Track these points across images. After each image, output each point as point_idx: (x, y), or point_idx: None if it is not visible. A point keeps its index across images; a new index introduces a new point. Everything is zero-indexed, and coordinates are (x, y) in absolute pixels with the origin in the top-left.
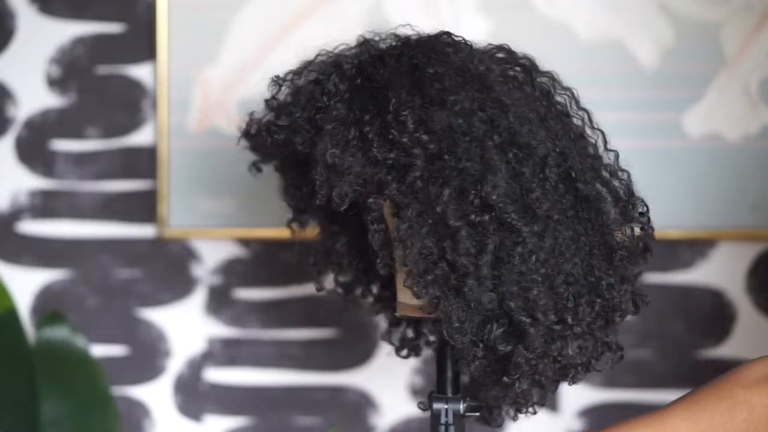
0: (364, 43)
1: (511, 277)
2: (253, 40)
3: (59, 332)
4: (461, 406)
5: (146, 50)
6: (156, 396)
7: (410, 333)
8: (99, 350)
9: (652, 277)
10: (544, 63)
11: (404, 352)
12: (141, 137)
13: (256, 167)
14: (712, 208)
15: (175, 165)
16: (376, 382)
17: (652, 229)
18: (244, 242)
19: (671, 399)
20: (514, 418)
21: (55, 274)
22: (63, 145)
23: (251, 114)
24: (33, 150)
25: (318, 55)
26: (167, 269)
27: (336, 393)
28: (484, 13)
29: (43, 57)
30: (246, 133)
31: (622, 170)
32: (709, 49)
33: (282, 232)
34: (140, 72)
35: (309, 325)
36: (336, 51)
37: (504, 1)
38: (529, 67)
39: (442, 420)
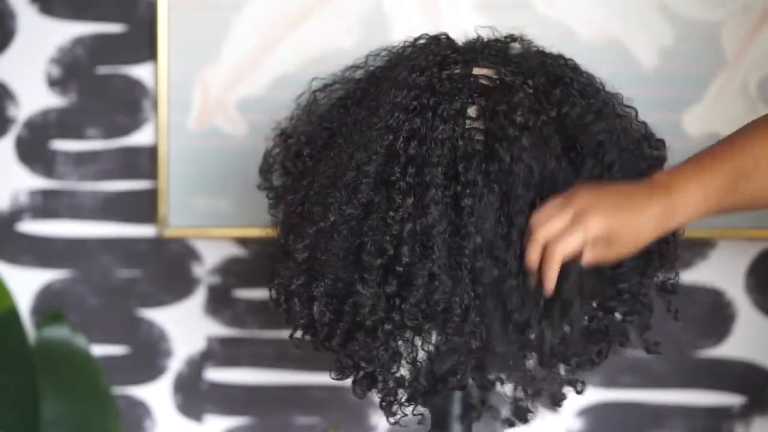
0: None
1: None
2: (253, 40)
3: (59, 332)
4: None
5: (146, 50)
6: (156, 396)
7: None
8: (99, 350)
9: None
10: None
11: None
12: (141, 137)
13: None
14: None
15: (175, 165)
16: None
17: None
18: (244, 242)
19: (671, 399)
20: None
21: (56, 274)
22: (63, 145)
23: None
24: (33, 150)
25: None
26: (167, 269)
27: (336, 393)
28: (483, 12)
29: (44, 57)
30: None
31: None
32: (709, 49)
33: None
34: (140, 72)
35: None
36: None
37: (503, 1)
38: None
39: None
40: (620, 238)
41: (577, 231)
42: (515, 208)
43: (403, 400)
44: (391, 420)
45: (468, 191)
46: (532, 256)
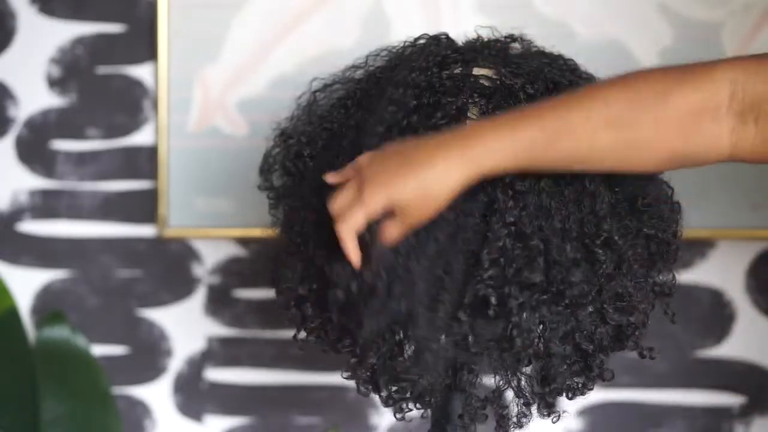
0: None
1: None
2: (253, 40)
3: (59, 332)
4: None
5: (146, 50)
6: (156, 396)
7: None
8: (99, 350)
9: None
10: None
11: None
12: (141, 137)
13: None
14: (711, 208)
15: (175, 165)
16: None
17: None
18: (244, 242)
19: (671, 398)
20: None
21: (55, 274)
22: (63, 145)
23: None
24: (33, 150)
25: None
26: (167, 269)
27: (336, 393)
28: (483, 12)
29: (44, 57)
30: None
31: None
32: (709, 49)
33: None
34: (140, 72)
35: None
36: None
37: (503, 0)
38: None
39: None
40: (410, 203)
41: (356, 208)
42: (498, 216)
43: (408, 396)
44: (398, 416)
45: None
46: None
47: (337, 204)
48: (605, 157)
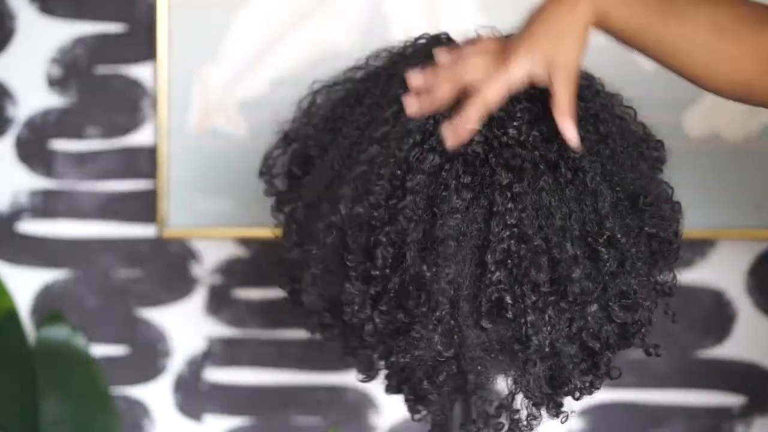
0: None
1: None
2: (253, 40)
3: (59, 332)
4: None
5: (146, 50)
6: (156, 396)
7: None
8: (99, 350)
9: None
10: None
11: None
12: (141, 137)
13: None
14: (712, 208)
15: (175, 165)
16: (376, 381)
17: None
18: (244, 242)
19: (671, 399)
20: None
21: (55, 274)
22: (63, 145)
23: None
24: (33, 150)
25: None
26: (167, 269)
27: (336, 393)
28: (483, 12)
29: (43, 57)
30: None
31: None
32: None
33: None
34: (140, 72)
35: None
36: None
37: (504, 0)
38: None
39: None
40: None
41: (499, 75)
42: (499, 219)
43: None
44: (416, 417)
45: (456, 195)
46: (441, 94)
47: (469, 72)
48: (695, 52)
